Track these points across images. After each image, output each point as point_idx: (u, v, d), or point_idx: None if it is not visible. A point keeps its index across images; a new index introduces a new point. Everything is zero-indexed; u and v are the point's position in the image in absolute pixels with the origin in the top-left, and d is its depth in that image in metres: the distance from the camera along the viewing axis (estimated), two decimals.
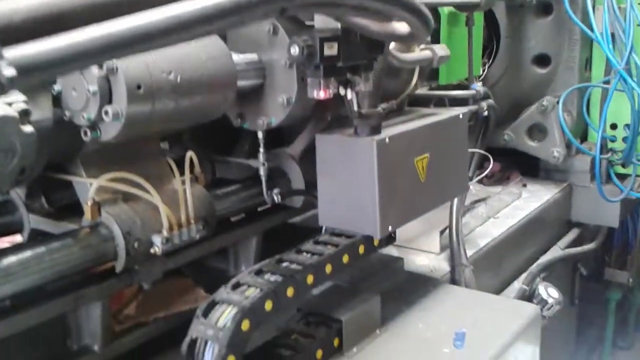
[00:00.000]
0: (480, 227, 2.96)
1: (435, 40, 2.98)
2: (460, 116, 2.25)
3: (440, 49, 2.20)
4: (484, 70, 3.59)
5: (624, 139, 3.51)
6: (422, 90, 2.65)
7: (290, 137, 2.24)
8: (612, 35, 3.24)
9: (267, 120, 1.85)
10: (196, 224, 1.69)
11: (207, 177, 2.30)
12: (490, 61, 3.66)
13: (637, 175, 3.49)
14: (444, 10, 2.97)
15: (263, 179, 1.95)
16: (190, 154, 1.73)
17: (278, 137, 2.30)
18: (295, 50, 1.57)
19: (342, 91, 1.74)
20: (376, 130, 1.89)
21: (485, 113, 2.60)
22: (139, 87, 1.38)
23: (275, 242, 2.39)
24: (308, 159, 2.11)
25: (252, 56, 1.81)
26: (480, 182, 3.52)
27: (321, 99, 1.76)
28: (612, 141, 3.56)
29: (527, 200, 3.38)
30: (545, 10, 3.47)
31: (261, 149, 1.92)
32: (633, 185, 3.45)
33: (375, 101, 1.89)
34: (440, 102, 2.76)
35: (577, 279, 3.82)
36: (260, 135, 1.89)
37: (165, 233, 1.61)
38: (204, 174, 2.28)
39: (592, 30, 3.27)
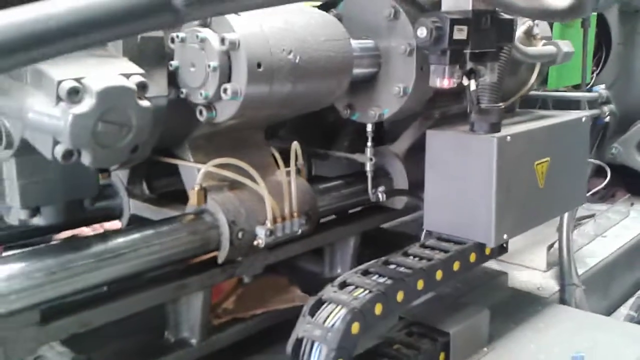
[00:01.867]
0: (588, 245, 2.72)
1: None
2: (583, 119, 2.05)
3: (565, 45, 2.03)
4: (592, 78, 3.35)
5: None
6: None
7: (394, 134, 2.11)
8: None
9: (380, 111, 1.73)
10: (299, 218, 1.58)
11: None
12: (599, 69, 3.41)
13: None
14: None
15: (369, 175, 1.83)
16: (295, 144, 1.62)
17: (379, 134, 2.18)
18: (422, 32, 1.44)
19: (466, 81, 1.60)
20: (495, 127, 1.73)
21: (607, 119, 2.38)
22: (259, 65, 1.29)
23: (369, 247, 2.27)
24: (413, 158, 1.98)
25: (369, 42, 1.70)
26: None
27: (439, 90, 1.63)
28: None
29: (635, 220, 3.11)
30: None
31: (369, 143, 1.80)
32: None
33: (497, 96, 1.74)
34: (544, 106, 2.57)
35: None
36: (369, 127, 1.77)
37: (269, 225, 1.51)
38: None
39: None
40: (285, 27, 1.36)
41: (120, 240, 1.34)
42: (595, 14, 3.01)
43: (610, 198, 3.37)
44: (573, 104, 2.83)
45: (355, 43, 1.66)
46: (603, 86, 2.39)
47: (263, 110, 1.40)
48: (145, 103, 1.23)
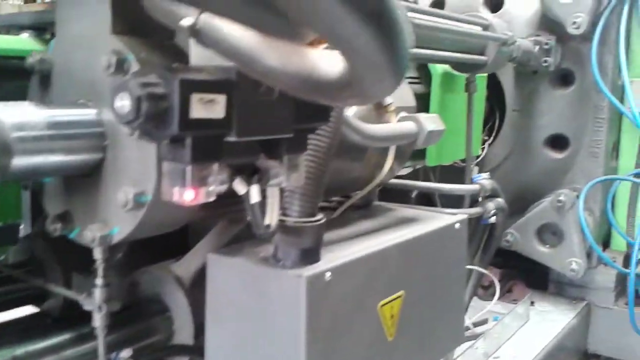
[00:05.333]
0: None
1: (424, 108, 2.22)
2: (457, 226, 1.42)
3: (430, 121, 1.40)
4: (483, 149, 2.82)
5: None
6: (404, 175, 1.85)
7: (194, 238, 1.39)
8: None
9: (104, 231, 1.00)
10: None
11: None
12: (492, 139, 2.89)
13: None
14: (437, 69, 2.21)
15: (100, 334, 1.08)
16: None
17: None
18: (123, 103, 0.74)
19: (240, 188, 0.91)
20: (310, 255, 1.06)
21: (493, 219, 1.77)
22: None
23: None
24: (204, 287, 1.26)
25: (84, 111, 0.98)
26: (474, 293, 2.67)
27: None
28: None
29: (537, 326, 2.55)
30: (564, 80, 2.73)
31: (99, 281, 1.06)
32: None
33: (313, 202, 1.07)
34: (426, 198, 1.96)
35: None
36: (97, 253, 1.04)
37: None
38: None
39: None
40: None
41: None
42: (485, 75, 2.49)
43: (507, 293, 2.81)
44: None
45: (46, 113, 0.93)
46: (486, 175, 1.82)
47: None
48: None
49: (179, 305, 1.28)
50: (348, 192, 1.54)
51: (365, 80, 0.54)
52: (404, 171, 2.33)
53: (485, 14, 2.81)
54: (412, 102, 1.55)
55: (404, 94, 1.52)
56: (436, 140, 1.44)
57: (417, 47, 1.86)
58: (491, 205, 1.73)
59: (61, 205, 1.04)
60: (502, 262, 2.86)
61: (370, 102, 0.72)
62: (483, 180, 1.73)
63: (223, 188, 0.88)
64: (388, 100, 1.36)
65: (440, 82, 2.22)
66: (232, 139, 0.83)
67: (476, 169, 2.76)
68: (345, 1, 0.42)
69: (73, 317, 1.20)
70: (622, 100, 2.56)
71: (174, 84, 0.74)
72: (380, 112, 1.37)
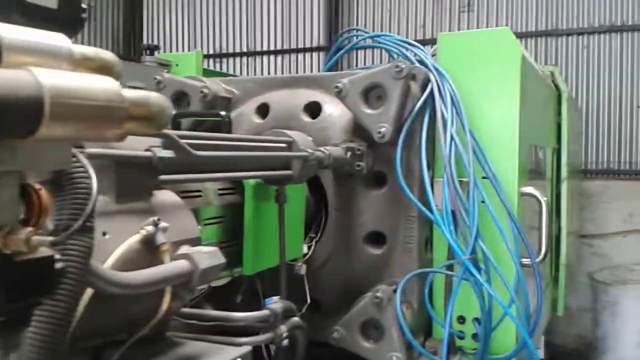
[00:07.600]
0: None
1: (239, 217, 2.26)
2: None
3: (207, 257, 1.42)
4: (310, 247, 2.90)
5: (474, 336, 2.91)
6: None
7: None
8: (453, 213, 2.72)
9: None
10: None
11: None
12: (318, 236, 2.98)
13: None
14: (250, 182, 2.28)
15: None
16: None
17: None
18: None
19: None
20: None
21: (286, 342, 1.80)
22: None
23: None
24: None
25: None
26: None
27: None
28: (461, 338, 2.94)
29: None
30: (378, 182, 2.91)
31: None
32: None
33: None
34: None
35: None
36: None
37: None
38: None
39: (430, 207, 2.74)
40: None
41: None
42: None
43: None
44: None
45: None
46: (277, 298, 1.86)
47: None
48: None
49: None
50: (135, 327, 1.50)
51: None
52: (223, 280, 2.34)
53: (305, 119, 2.98)
54: (195, 233, 1.56)
55: (187, 226, 1.53)
56: (215, 275, 1.45)
57: (227, 170, 1.93)
58: (283, 329, 1.76)
59: None
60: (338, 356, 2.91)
61: None
62: (274, 304, 1.76)
63: None
64: (161, 239, 1.36)
65: (252, 194, 2.28)
66: None
67: (304, 266, 2.82)
68: None
69: None
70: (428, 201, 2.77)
71: None
72: (152, 252, 1.37)
